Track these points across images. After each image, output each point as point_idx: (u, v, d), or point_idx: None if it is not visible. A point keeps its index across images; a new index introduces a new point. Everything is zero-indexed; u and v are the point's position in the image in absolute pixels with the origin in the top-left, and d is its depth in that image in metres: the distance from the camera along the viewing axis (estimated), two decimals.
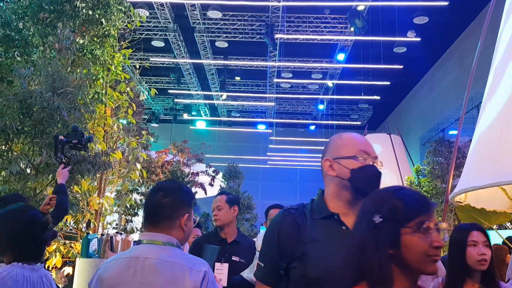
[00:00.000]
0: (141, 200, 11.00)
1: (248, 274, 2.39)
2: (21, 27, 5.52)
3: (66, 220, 5.72)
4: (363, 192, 1.55)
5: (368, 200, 1.29)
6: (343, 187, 1.65)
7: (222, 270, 2.95)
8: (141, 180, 9.55)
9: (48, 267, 5.34)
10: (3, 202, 2.82)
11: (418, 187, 10.00)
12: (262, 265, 1.60)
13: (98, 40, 6.13)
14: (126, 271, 1.64)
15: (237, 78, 19.97)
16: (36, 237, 2.00)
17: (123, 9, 6.35)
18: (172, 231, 1.72)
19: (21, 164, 4.30)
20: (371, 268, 1.15)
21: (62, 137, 3.69)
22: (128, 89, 6.89)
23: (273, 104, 21.41)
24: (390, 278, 1.15)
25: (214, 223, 3.29)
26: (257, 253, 2.39)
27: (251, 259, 2.97)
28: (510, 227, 7.51)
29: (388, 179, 11.28)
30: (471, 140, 3.81)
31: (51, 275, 2.13)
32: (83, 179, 5.11)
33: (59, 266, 5.64)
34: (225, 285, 2.87)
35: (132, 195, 10.34)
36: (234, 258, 3.02)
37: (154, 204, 1.76)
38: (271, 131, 23.01)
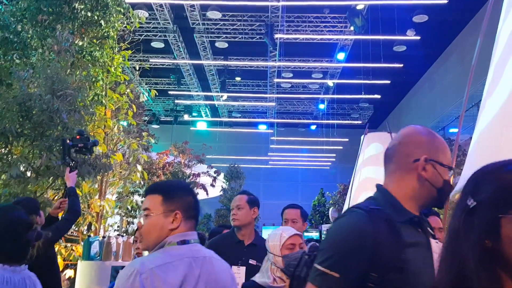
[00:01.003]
0: (142, 201, 10.97)
1: (261, 278, 2.26)
2: (20, 29, 5.52)
3: None
4: (440, 204, 1.49)
5: (470, 177, 1.09)
6: (428, 193, 1.46)
7: (239, 274, 2.82)
8: (142, 182, 9.55)
9: None
10: (20, 205, 2.83)
11: None
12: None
13: (98, 42, 6.12)
14: (190, 272, 1.58)
15: (238, 79, 19.97)
16: (19, 238, 1.93)
17: (122, 10, 6.34)
18: None
19: (21, 167, 4.30)
20: (465, 263, 0.95)
21: (69, 141, 3.77)
22: (128, 90, 6.89)
23: (273, 104, 21.40)
24: (490, 278, 0.93)
25: (232, 223, 3.17)
26: (270, 255, 2.27)
27: None
28: None
29: None
30: (471, 138, 3.79)
31: (36, 276, 2.04)
32: (83, 182, 5.11)
33: (60, 269, 5.63)
34: None
35: (133, 197, 10.32)
36: (251, 261, 2.89)
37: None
38: (272, 131, 23.00)
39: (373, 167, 11.97)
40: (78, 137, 3.90)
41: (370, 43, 14.53)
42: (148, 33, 15.70)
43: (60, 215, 3.68)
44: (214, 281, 1.62)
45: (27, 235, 1.96)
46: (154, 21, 15.08)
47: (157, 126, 22.75)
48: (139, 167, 7.19)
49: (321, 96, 20.90)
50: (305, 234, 20.88)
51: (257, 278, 2.27)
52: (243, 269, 2.87)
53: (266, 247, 2.34)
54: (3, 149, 4.51)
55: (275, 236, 2.30)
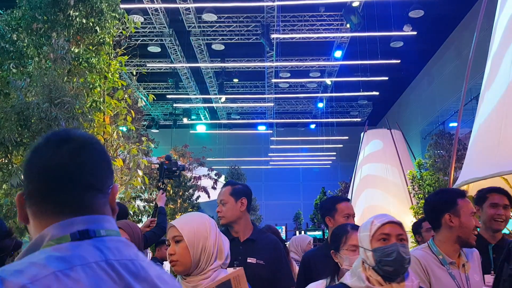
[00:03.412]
0: (144, 206, 10.98)
1: (352, 279, 1.82)
2: (15, 38, 5.51)
3: None
4: None
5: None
6: None
7: None
8: (143, 187, 9.54)
9: None
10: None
11: (420, 181, 9.97)
12: None
13: (94, 48, 6.11)
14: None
15: (235, 80, 19.98)
16: None
17: (117, 16, 6.33)
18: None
19: (22, 176, 4.29)
20: None
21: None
22: (126, 96, 6.88)
23: (272, 104, 21.41)
24: None
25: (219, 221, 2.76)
26: (361, 250, 1.86)
27: (271, 258, 2.55)
28: None
29: (390, 174, 11.25)
30: (471, 131, 3.79)
31: None
32: None
33: None
34: None
35: (135, 202, 10.32)
36: (250, 260, 2.53)
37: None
38: (271, 131, 23.01)
39: (374, 164, 11.98)
40: (167, 162, 4.34)
41: (367, 40, 14.54)
42: (144, 38, 15.71)
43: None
44: None
45: (2, 242, 1.93)
46: (149, 26, 15.09)
47: (157, 131, 22.76)
48: (140, 172, 7.18)
49: (320, 94, 20.91)
50: (308, 233, 20.87)
51: (348, 279, 1.83)
52: (241, 269, 2.57)
53: (295, 249, 2.16)
54: (3, 159, 4.51)
55: (366, 225, 1.86)
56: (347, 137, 22.35)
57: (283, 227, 19.98)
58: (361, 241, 1.85)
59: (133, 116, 7.24)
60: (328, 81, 18.76)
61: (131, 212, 10.10)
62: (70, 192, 0.89)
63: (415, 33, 13.81)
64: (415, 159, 12.23)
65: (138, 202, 10.89)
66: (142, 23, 13.21)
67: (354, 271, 1.82)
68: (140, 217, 11.48)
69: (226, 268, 1.73)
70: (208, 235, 1.68)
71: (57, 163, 0.89)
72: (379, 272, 1.73)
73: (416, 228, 3.90)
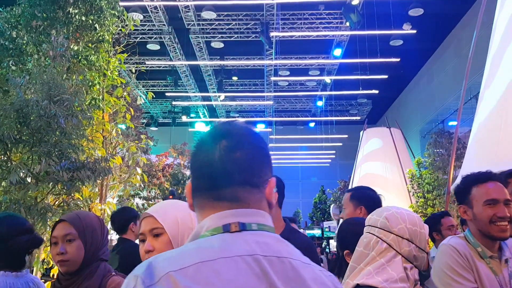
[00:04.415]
0: (143, 204, 10.99)
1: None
2: (15, 36, 5.50)
3: None
4: None
5: None
6: None
7: None
8: (142, 185, 9.54)
9: (53, 275, 5.33)
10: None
11: (419, 180, 9.98)
12: None
13: (93, 46, 6.10)
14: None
15: (234, 78, 19.97)
16: (13, 245, 1.92)
17: (116, 13, 6.32)
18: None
19: (21, 174, 4.28)
20: None
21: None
22: (125, 93, 6.87)
23: (271, 102, 21.40)
24: None
25: None
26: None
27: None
28: None
29: (390, 173, 11.26)
30: (471, 130, 3.79)
31: (39, 279, 2.07)
32: (84, 186, 5.10)
33: None
34: None
35: (134, 199, 10.33)
36: None
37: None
38: (270, 129, 23.01)
39: (373, 162, 11.99)
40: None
41: (367, 38, 14.53)
42: (144, 36, 15.68)
43: None
44: None
45: (19, 239, 1.94)
46: (149, 23, 15.06)
47: (156, 128, 22.75)
48: (139, 170, 7.18)
49: (319, 93, 20.91)
50: (307, 231, 20.80)
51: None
52: None
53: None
54: (2, 156, 4.50)
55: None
56: (346, 136, 22.36)
57: None
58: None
59: (132, 113, 7.23)
60: (327, 79, 18.75)
61: None
62: (226, 188, 0.91)
63: (414, 31, 13.81)
64: (415, 157, 12.24)
65: (137, 200, 10.89)
66: (141, 20, 13.19)
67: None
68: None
69: None
70: (193, 227, 1.41)
71: (215, 159, 0.92)
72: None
73: (434, 224, 3.46)
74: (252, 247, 0.84)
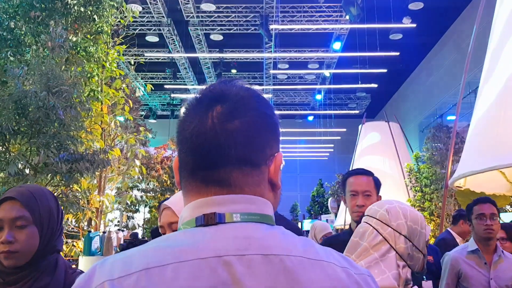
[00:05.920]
0: (141, 196, 11.01)
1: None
2: (13, 26, 5.47)
3: (68, 219, 5.72)
4: None
5: None
6: None
7: None
8: (140, 177, 9.55)
9: None
10: None
11: (418, 174, 10.01)
12: None
13: (92, 37, 6.08)
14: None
15: (234, 71, 19.92)
16: None
17: (115, 4, 6.29)
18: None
19: (19, 165, 4.28)
20: None
21: None
22: (123, 85, 6.86)
23: (270, 95, 21.37)
24: None
25: None
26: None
27: None
28: (510, 210, 7.53)
29: (388, 167, 11.29)
30: (469, 125, 3.79)
31: None
32: (82, 178, 5.10)
33: None
34: None
35: (132, 192, 10.34)
36: None
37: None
38: None
39: (371, 156, 12.00)
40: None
41: (366, 32, 14.49)
42: (142, 27, 15.61)
43: None
44: None
45: None
46: (148, 15, 14.98)
47: (154, 121, 22.72)
48: (137, 162, 7.19)
49: (318, 86, 20.88)
50: (305, 225, 20.80)
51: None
52: None
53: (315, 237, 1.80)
54: (1, 147, 4.50)
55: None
56: (345, 129, 22.36)
57: None
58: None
59: (131, 106, 7.23)
60: (326, 72, 18.72)
61: (128, 202, 10.13)
62: (219, 168, 0.71)
63: (414, 25, 13.77)
64: (413, 152, 12.25)
65: (135, 192, 10.91)
66: (140, 12, 13.13)
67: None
68: (137, 207, 11.50)
69: None
70: None
71: (206, 130, 0.71)
72: None
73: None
74: (225, 246, 0.65)
